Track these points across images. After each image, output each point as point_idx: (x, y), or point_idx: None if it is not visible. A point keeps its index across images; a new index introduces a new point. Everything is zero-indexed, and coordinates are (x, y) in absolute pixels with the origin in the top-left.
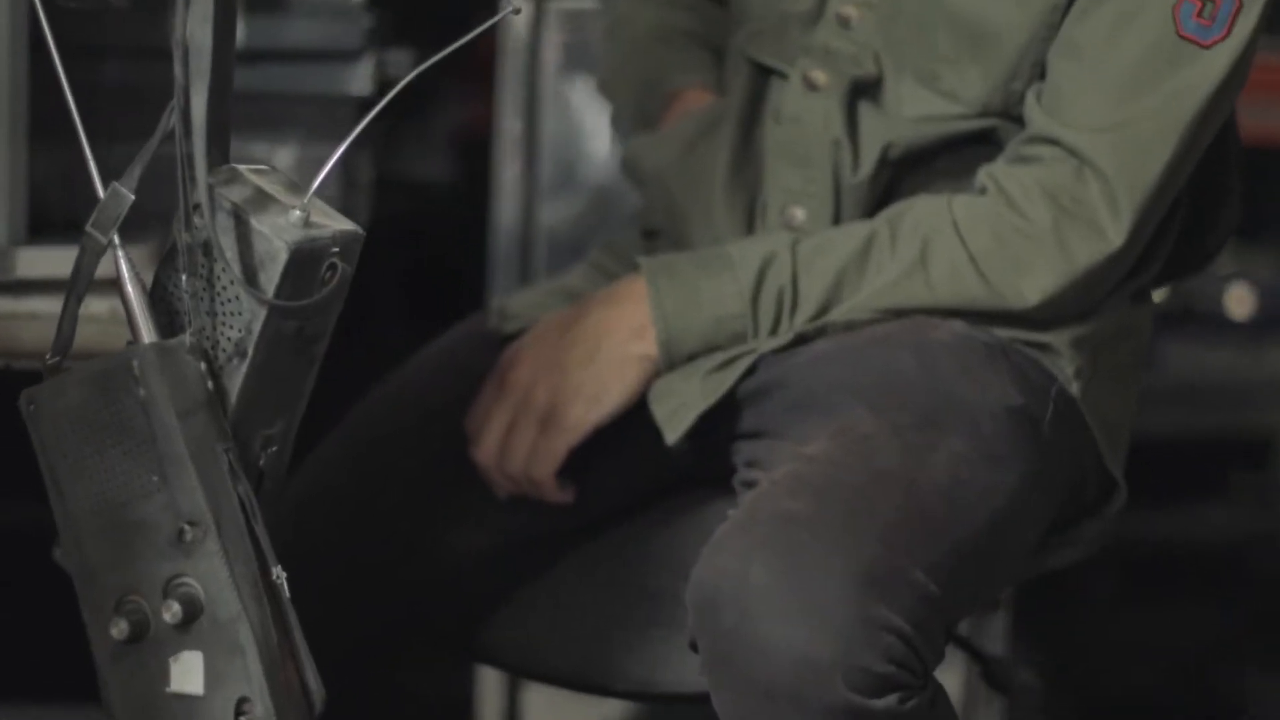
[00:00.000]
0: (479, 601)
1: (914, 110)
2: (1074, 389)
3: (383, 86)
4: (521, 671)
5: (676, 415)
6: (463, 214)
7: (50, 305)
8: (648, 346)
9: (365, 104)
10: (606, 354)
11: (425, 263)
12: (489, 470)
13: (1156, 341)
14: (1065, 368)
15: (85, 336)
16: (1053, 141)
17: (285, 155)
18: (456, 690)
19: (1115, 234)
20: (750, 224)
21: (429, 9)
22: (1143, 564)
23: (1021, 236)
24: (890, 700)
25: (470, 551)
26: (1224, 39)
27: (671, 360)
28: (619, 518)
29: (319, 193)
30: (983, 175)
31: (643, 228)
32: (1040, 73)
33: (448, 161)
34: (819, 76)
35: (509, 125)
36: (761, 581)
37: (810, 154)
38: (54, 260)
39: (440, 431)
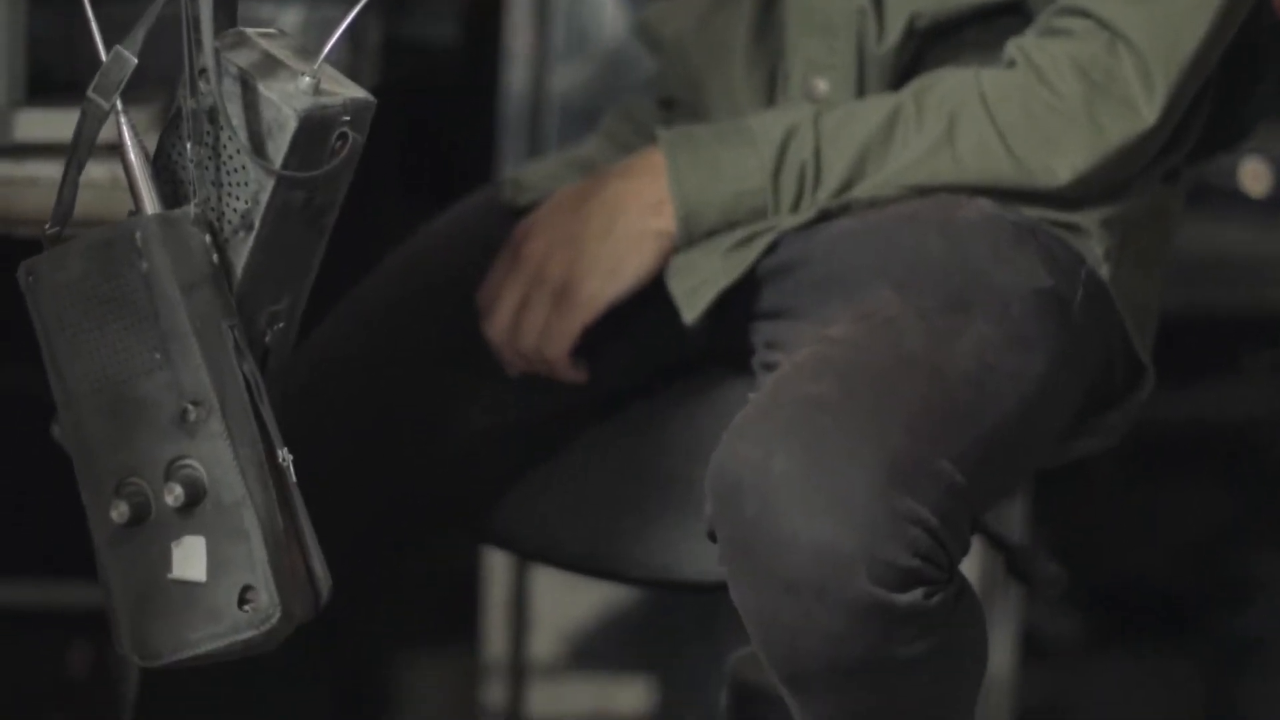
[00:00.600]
0: (489, 482)
1: None
2: (1104, 271)
3: None
4: (533, 555)
5: (696, 293)
6: (472, 79)
7: (51, 170)
8: (665, 221)
9: None
10: (623, 228)
11: (433, 130)
12: (501, 347)
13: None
14: (1095, 249)
15: (85, 203)
16: (1084, 13)
17: (291, 17)
18: (462, 572)
19: (1148, 110)
20: (771, 95)
21: None
22: (1156, 444)
23: (1051, 112)
24: (915, 595)
25: (481, 430)
26: None
27: (690, 236)
28: (634, 397)
29: (328, 58)
30: (1011, 48)
31: (659, 96)
32: None
33: (457, 25)
34: None
35: None
36: (784, 470)
37: (834, 22)
38: (55, 123)
39: (451, 306)
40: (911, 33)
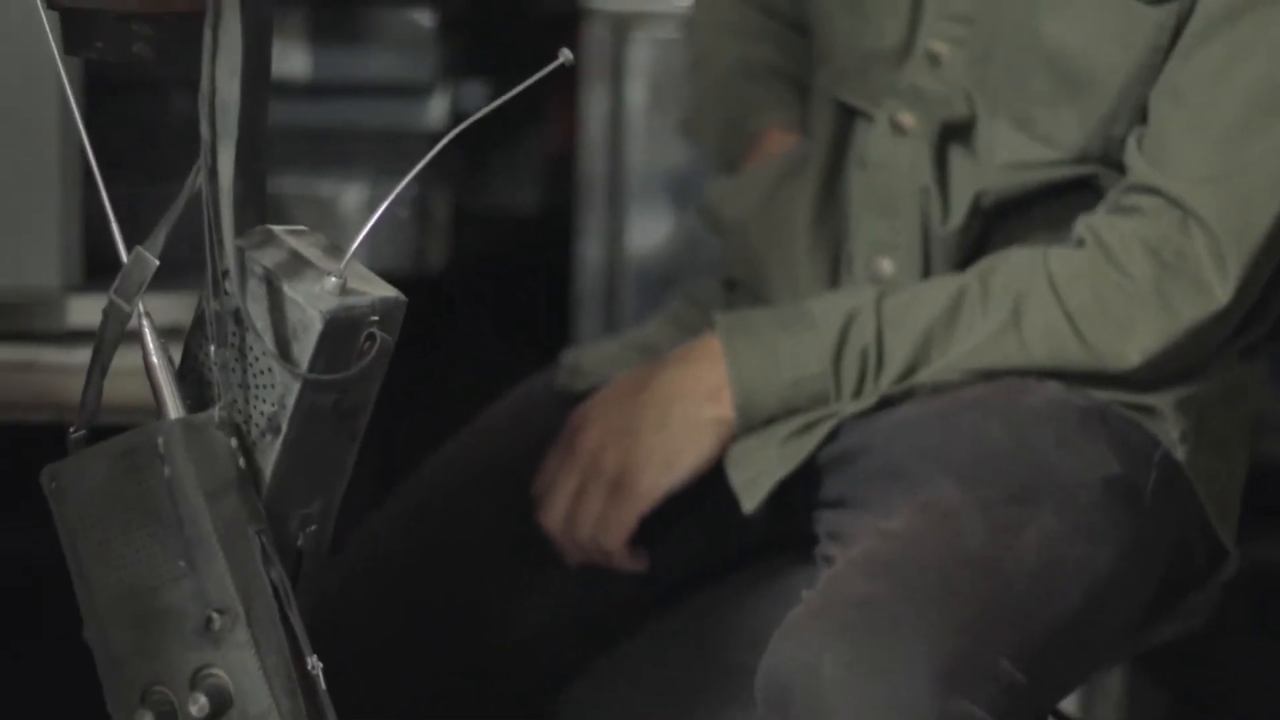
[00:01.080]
0: (548, 675)
1: (1008, 156)
2: (1179, 454)
3: (457, 120)
4: None
5: (754, 483)
6: (546, 250)
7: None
8: (723, 409)
9: (438, 139)
10: (680, 418)
11: (508, 300)
12: (557, 537)
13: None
14: (1170, 431)
15: (126, 393)
16: (1154, 191)
17: (354, 194)
18: None
19: (1221, 291)
20: (835, 276)
21: (503, 39)
22: (1274, 593)
23: (1121, 293)
24: None
25: (538, 623)
26: None
27: (749, 423)
28: (695, 587)
29: (387, 241)
30: (1080, 227)
31: (722, 278)
32: (1142, 116)
33: (530, 193)
34: (906, 119)
35: (594, 157)
36: (835, 674)
37: (897, 203)
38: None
39: (508, 495)
40: (977, 211)
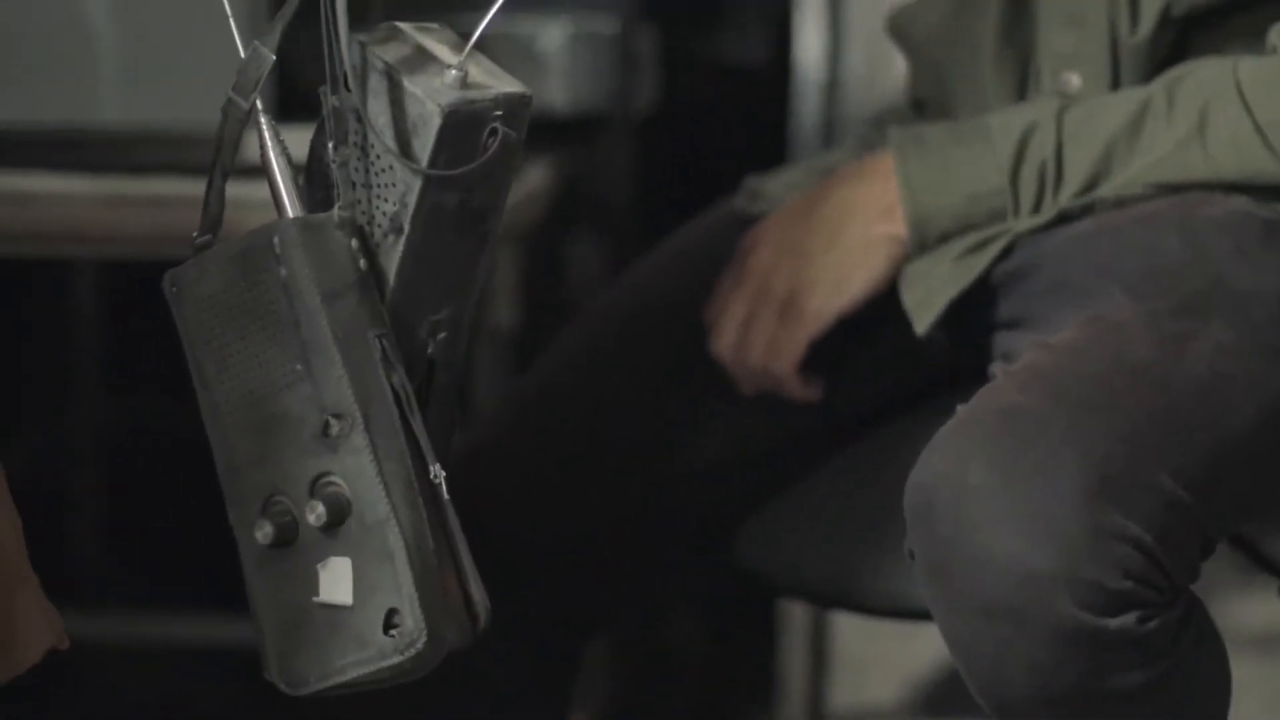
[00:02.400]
0: (726, 507)
1: None
2: None
3: None
4: (769, 586)
5: (926, 303)
6: (759, 101)
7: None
8: (895, 227)
9: None
10: (850, 237)
11: (717, 151)
12: (729, 365)
13: None
14: None
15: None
16: None
17: (556, 29)
18: (761, 616)
19: None
20: (1022, 92)
21: None
22: None
23: None
24: (1127, 619)
25: (716, 454)
26: None
27: (922, 241)
28: (873, 419)
29: (590, 78)
30: (1274, 34)
31: (909, 98)
32: None
33: (742, 38)
34: None
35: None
36: (981, 483)
37: (1084, 14)
38: (293, 142)
39: (683, 324)
40: (1166, 21)
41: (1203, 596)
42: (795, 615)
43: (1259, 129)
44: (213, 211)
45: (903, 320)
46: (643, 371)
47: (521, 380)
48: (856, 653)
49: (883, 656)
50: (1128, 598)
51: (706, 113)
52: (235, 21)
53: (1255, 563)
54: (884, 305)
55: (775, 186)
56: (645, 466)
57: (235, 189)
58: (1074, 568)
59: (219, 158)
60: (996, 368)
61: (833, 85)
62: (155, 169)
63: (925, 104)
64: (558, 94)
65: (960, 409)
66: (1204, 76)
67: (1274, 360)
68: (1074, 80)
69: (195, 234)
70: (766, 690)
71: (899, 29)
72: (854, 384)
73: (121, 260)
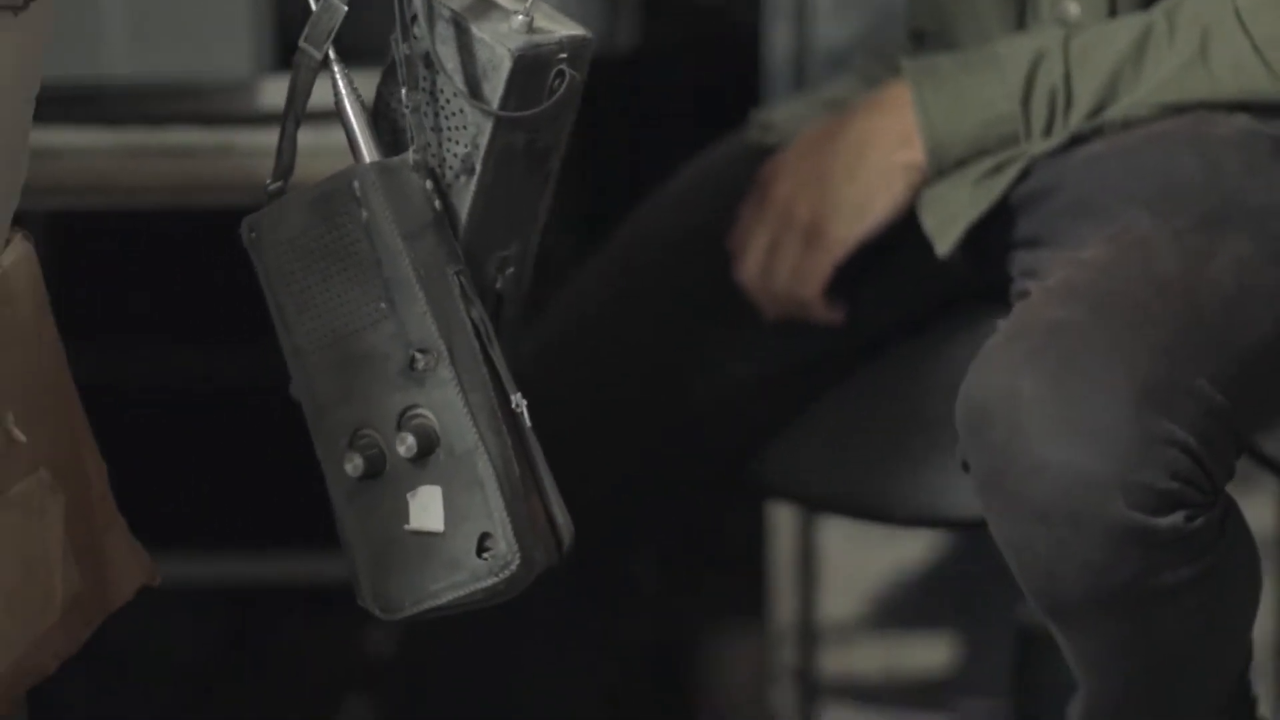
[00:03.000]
0: (751, 430)
1: None
2: None
3: None
4: (798, 500)
5: (947, 225)
6: (735, 36)
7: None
8: (914, 154)
9: None
10: (870, 164)
11: (697, 84)
12: (754, 291)
13: None
14: None
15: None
16: None
17: None
18: (748, 529)
19: None
20: (1021, 21)
21: None
22: None
23: None
24: (1176, 518)
25: (741, 378)
26: None
27: (940, 167)
28: (893, 338)
29: (576, 17)
30: None
31: (909, 29)
32: None
33: None
34: None
35: None
36: (1033, 395)
37: None
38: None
39: (705, 255)
40: None
41: None
42: (784, 526)
43: (1257, 48)
44: (285, 159)
45: (920, 241)
46: (667, 301)
47: (546, 314)
48: (845, 563)
49: (870, 564)
50: (1176, 497)
51: (685, 50)
52: None
53: (1259, 464)
54: (901, 228)
55: (785, 117)
56: (673, 392)
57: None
58: (1126, 471)
59: (292, 106)
60: (1026, 283)
61: (802, 17)
62: (171, 120)
63: (924, 35)
64: None
65: (1002, 324)
66: (1202, 1)
67: None
68: (1073, 8)
69: (269, 181)
70: (757, 603)
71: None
72: (875, 305)
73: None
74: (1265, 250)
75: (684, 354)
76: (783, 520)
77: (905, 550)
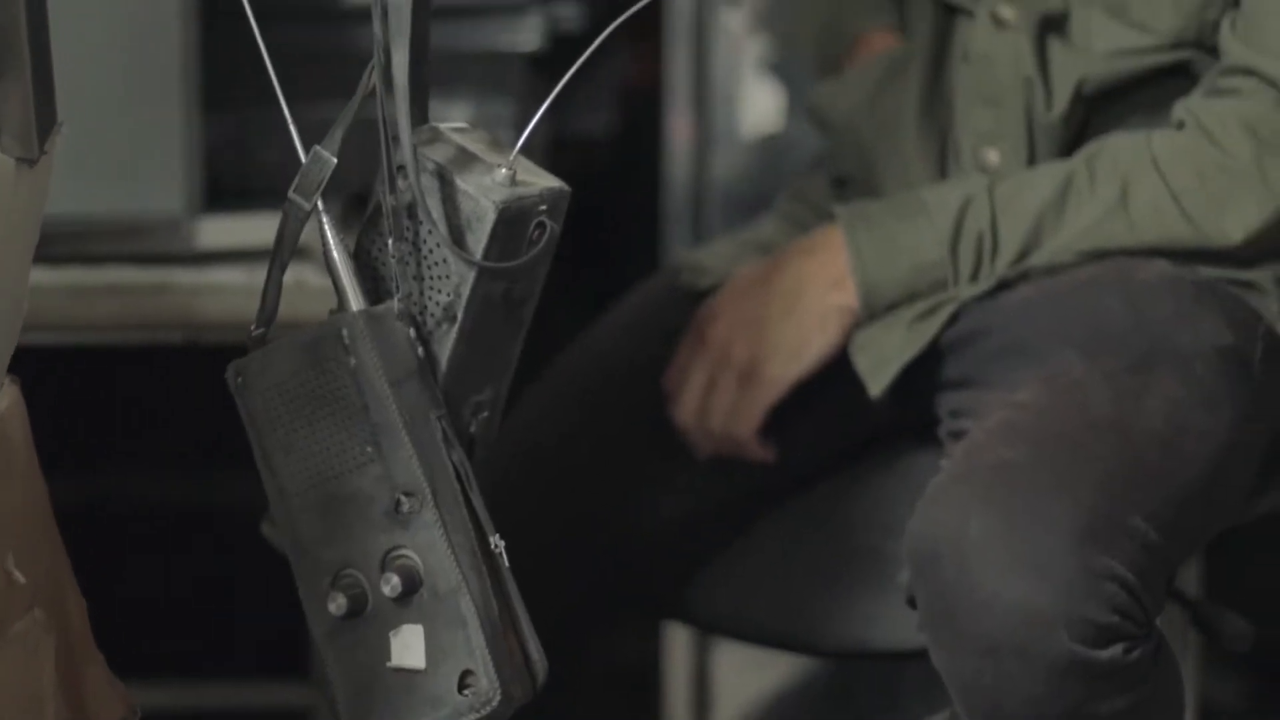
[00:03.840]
0: (683, 564)
1: (1105, 44)
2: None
3: (554, 42)
4: (729, 632)
5: (880, 367)
6: (634, 169)
7: (232, 275)
8: (847, 297)
9: (534, 60)
10: (805, 306)
11: (598, 220)
12: (690, 430)
13: None
14: (1271, 305)
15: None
16: (1250, 72)
17: (456, 113)
18: (644, 653)
19: None
20: (943, 168)
21: None
22: None
23: (1223, 171)
24: (1115, 650)
25: (673, 515)
26: None
27: (872, 310)
28: (822, 474)
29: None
30: (1179, 110)
31: (831, 175)
32: (1234, 0)
33: (616, 115)
34: (1007, 12)
35: (678, 78)
36: (980, 533)
37: (1002, 94)
38: (234, 229)
39: (638, 393)
40: (1079, 99)
41: None
42: (678, 647)
43: (1174, 197)
44: (270, 305)
45: (850, 381)
46: (602, 440)
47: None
48: (737, 685)
49: (764, 686)
50: (1115, 631)
51: (586, 186)
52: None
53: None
54: (831, 369)
55: (714, 260)
56: (608, 527)
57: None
58: (1070, 606)
59: (279, 254)
60: (959, 423)
61: (701, 156)
62: (109, 258)
63: (847, 181)
64: None
65: (946, 464)
66: (1121, 150)
67: (1217, 412)
68: (993, 156)
69: (253, 327)
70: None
71: (819, 111)
72: (805, 442)
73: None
74: (1193, 393)
75: (617, 490)
76: (677, 641)
77: (796, 672)
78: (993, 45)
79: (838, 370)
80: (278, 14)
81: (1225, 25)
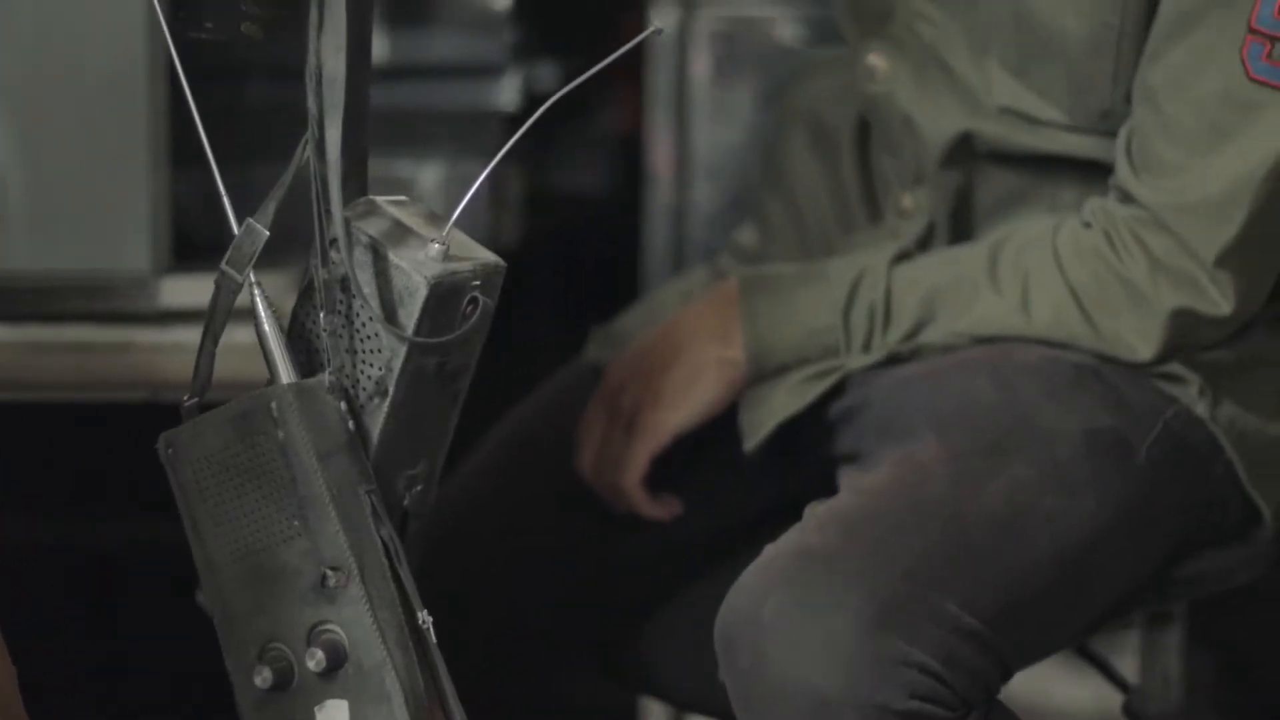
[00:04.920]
0: (607, 625)
1: (1006, 100)
2: (1200, 409)
3: (530, 101)
4: (651, 693)
5: (758, 422)
6: (616, 227)
7: (195, 335)
8: (731, 351)
9: (512, 119)
10: (687, 358)
11: (580, 278)
12: (593, 483)
13: None
14: (1189, 389)
15: (230, 368)
16: (1133, 194)
17: (431, 174)
18: (624, 706)
19: (1218, 295)
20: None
21: (574, 20)
22: None
23: (1120, 282)
24: None
25: (595, 575)
26: None
27: (762, 370)
28: (743, 538)
29: (462, 218)
30: (1087, 208)
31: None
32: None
33: (599, 173)
34: (879, 62)
35: (660, 136)
36: (774, 619)
37: (895, 140)
38: (200, 289)
39: (556, 458)
40: (964, 147)
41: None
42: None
43: (1074, 294)
44: (203, 376)
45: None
46: (515, 507)
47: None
48: None
49: None
50: (915, 715)
51: (568, 245)
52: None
53: (1106, 677)
54: (734, 435)
55: (625, 328)
56: (529, 588)
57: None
58: (859, 693)
59: (211, 326)
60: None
61: (680, 215)
62: (71, 316)
63: (778, 234)
64: None
65: (767, 549)
66: (1027, 243)
67: (1074, 497)
68: (907, 201)
69: (185, 396)
70: None
71: (783, 190)
72: (712, 505)
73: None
74: (1048, 475)
75: (539, 550)
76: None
77: None
78: (876, 92)
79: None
80: (252, 72)
81: (1122, 137)
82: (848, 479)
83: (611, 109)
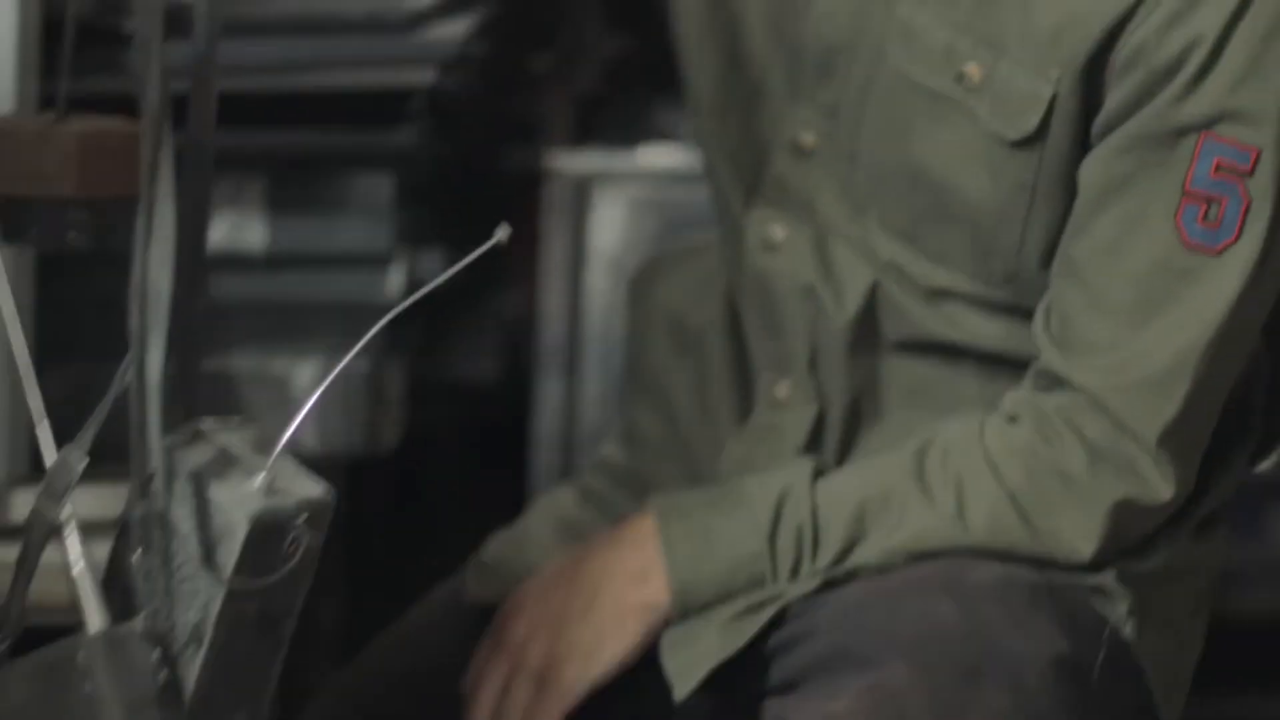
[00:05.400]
0: None
1: (895, 258)
2: (1127, 631)
3: (415, 290)
4: None
5: (690, 667)
6: (504, 420)
7: (49, 554)
8: (652, 593)
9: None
10: (604, 604)
11: (465, 474)
12: None
13: (1261, 512)
14: (1118, 607)
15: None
16: (1064, 376)
17: (308, 370)
18: None
19: (1159, 479)
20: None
21: (462, 205)
22: None
23: (1060, 480)
24: None
25: None
26: (1235, 241)
27: (686, 610)
28: None
29: (338, 418)
30: (1010, 403)
31: (623, 431)
32: (1043, 265)
33: (489, 362)
34: (778, 233)
35: (551, 331)
36: None
37: (782, 316)
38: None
39: (436, 695)
40: (874, 300)
41: None
42: None
43: (1011, 498)
44: (14, 619)
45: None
46: None
47: None
48: None
49: None
50: None
51: (451, 441)
52: None
53: None
54: (652, 669)
55: (498, 557)
56: None
57: None
58: None
59: (23, 566)
60: None
61: (570, 406)
62: None
63: (646, 441)
64: (310, 431)
65: None
66: (952, 447)
67: None
68: (782, 391)
69: None
70: None
71: (650, 398)
72: None
73: None
74: (1021, 707)
75: None
76: None
77: None
78: (767, 265)
79: (657, 671)
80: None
81: (1039, 318)
82: (803, 707)
83: (505, 295)
